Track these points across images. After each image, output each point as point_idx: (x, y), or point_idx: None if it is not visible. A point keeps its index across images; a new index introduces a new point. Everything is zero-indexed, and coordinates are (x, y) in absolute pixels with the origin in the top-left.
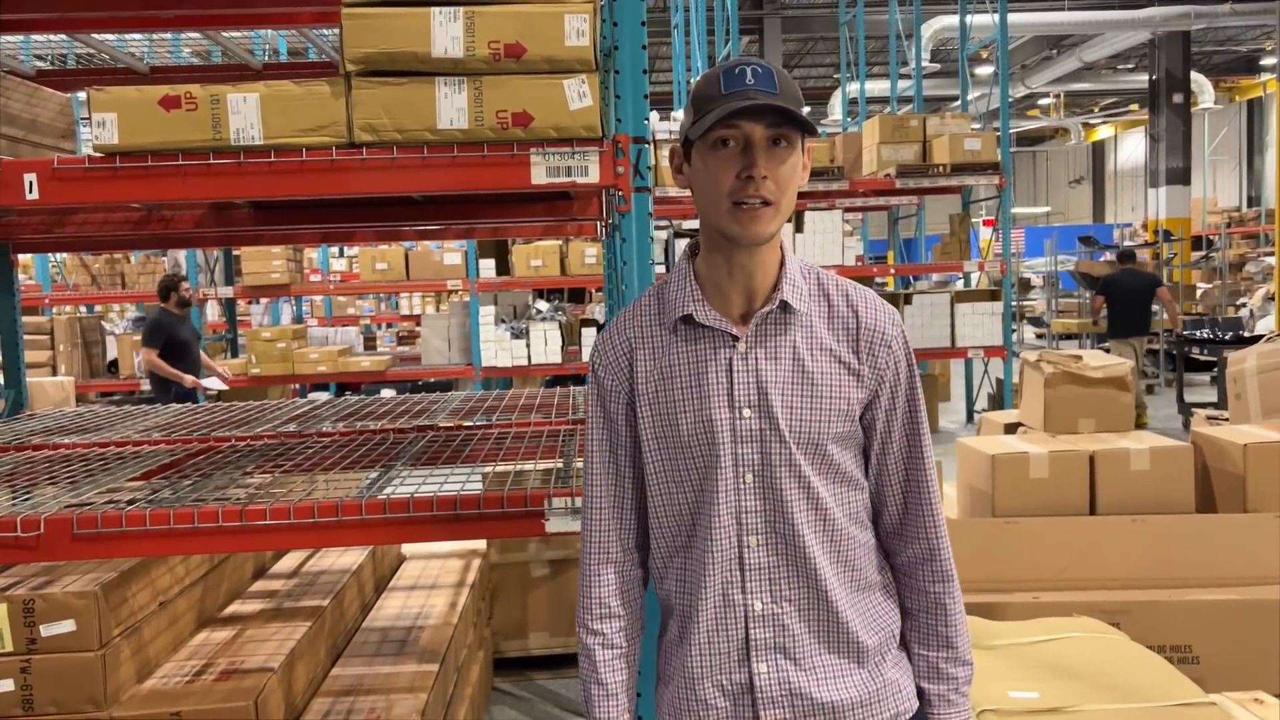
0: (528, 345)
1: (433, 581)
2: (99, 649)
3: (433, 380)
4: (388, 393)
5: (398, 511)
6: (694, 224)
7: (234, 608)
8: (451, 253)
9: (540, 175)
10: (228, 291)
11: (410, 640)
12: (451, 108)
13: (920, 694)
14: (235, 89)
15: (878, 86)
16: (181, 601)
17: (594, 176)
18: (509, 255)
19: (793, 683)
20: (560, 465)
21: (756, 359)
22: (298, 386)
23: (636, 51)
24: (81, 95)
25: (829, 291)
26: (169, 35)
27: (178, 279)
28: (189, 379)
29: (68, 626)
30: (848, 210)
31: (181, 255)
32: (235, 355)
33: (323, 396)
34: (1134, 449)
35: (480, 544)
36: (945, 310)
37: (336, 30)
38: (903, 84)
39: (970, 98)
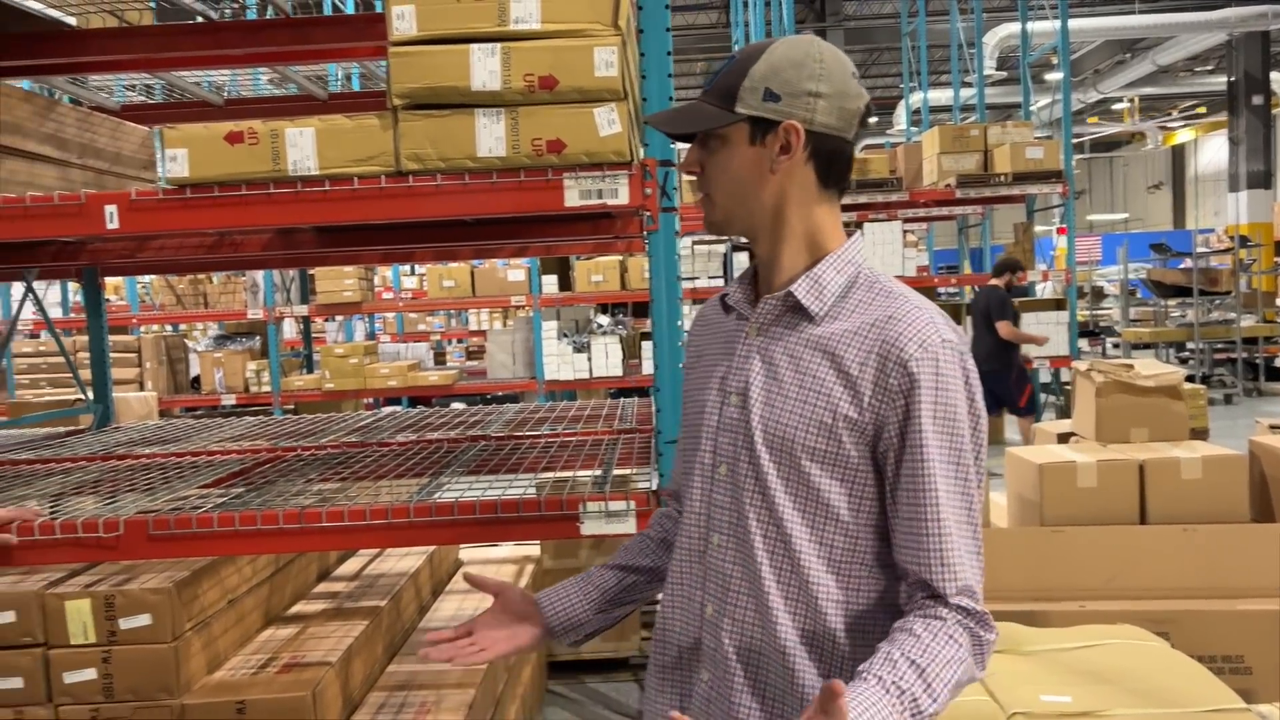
0: (589, 359)
1: None
2: (172, 641)
3: (500, 394)
4: (457, 405)
5: (444, 515)
6: None
7: (298, 607)
8: (515, 269)
9: (573, 198)
10: (303, 310)
11: None
12: (490, 137)
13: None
14: (293, 124)
15: (944, 95)
16: (249, 600)
17: (624, 198)
18: (570, 271)
19: (717, 715)
20: (599, 473)
21: (754, 347)
22: (371, 400)
23: (663, 79)
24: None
25: (870, 300)
26: (245, 71)
27: (1019, 263)
28: (1041, 336)
29: (145, 620)
30: (909, 221)
31: (259, 276)
32: (310, 371)
33: (393, 409)
34: (1185, 458)
35: (534, 549)
36: None
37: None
38: (966, 93)
39: (1039, 104)
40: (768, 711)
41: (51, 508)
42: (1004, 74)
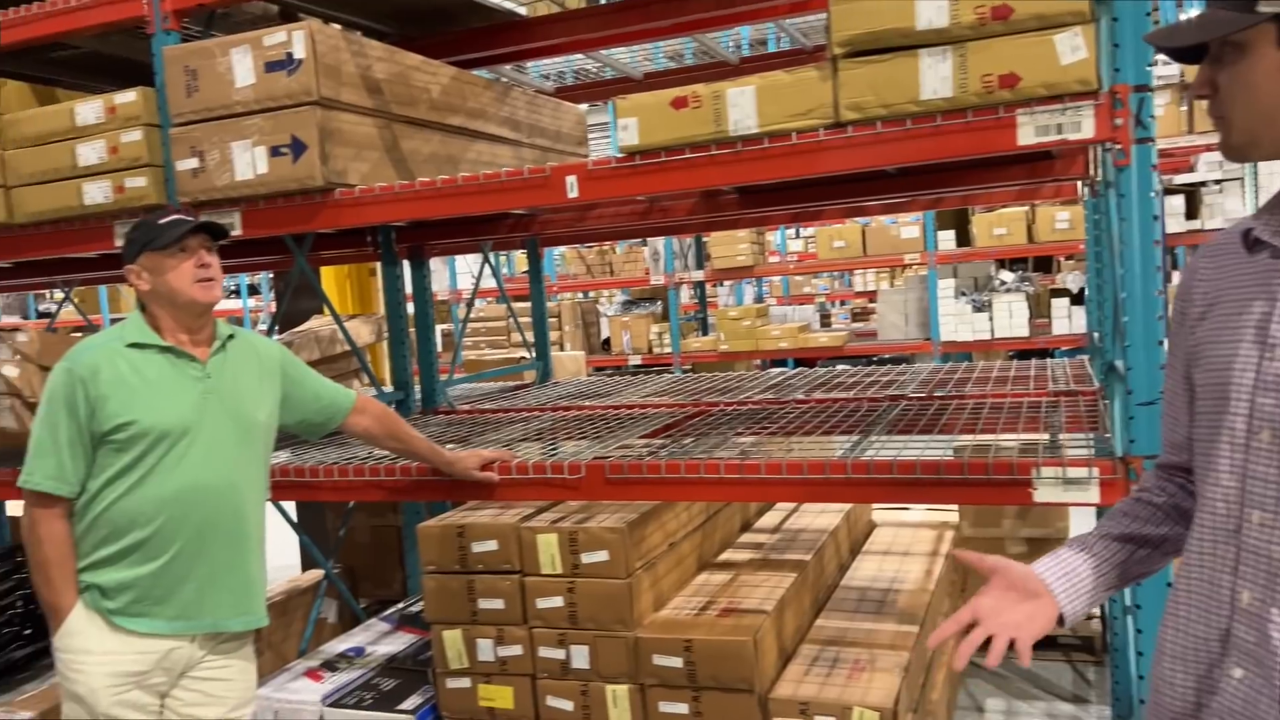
0: (990, 318)
1: (905, 549)
2: (626, 578)
3: (887, 356)
4: (843, 367)
5: (881, 473)
6: (1186, 179)
7: (726, 555)
8: (909, 226)
9: (1028, 135)
10: (699, 275)
11: (887, 601)
12: (935, 77)
13: None
14: (733, 84)
15: None
16: (685, 545)
17: (1087, 132)
18: (969, 225)
19: (1263, 718)
20: (1046, 437)
21: None
22: (759, 362)
23: None
24: (583, 107)
25: None
26: (648, 44)
27: None
28: None
29: (602, 556)
30: None
31: (660, 244)
32: (705, 333)
33: (780, 370)
34: None
35: (952, 516)
36: None
37: (803, 18)
38: None
39: None
40: None
41: (520, 451)
42: None
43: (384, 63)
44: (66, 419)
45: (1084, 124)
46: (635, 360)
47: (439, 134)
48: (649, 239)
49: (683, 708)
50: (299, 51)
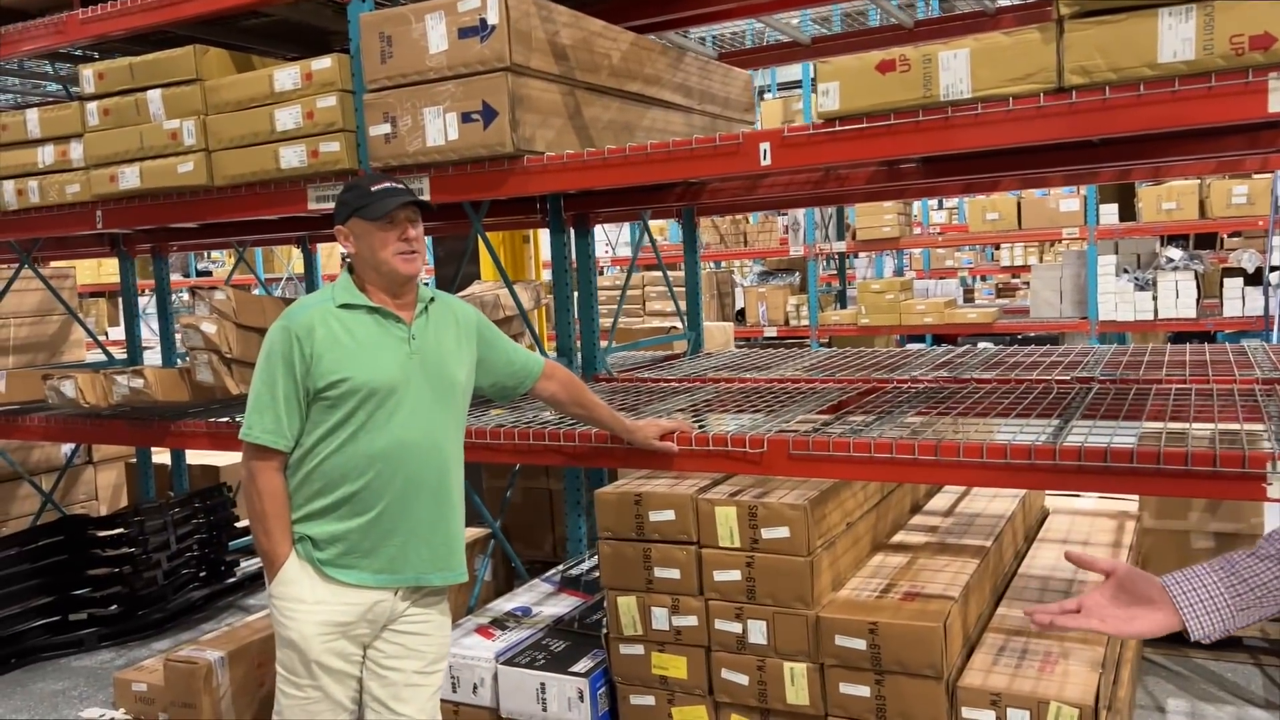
0: (1154, 298)
1: (1084, 538)
2: (806, 555)
3: (1033, 334)
4: (985, 345)
5: (1093, 460)
6: None
7: (899, 537)
8: (1068, 199)
9: (1278, 102)
10: (840, 246)
11: (1072, 592)
12: (1175, 39)
13: None
14: (946, 46)
15: None
16: (861, 525)
17: None
18: (1134, 199)
19: None
20: (1273, 428)
21: None
22: (898, 337)
23: None
24: (744, 72)
25: None
26: (796, 12)
27: None
28: None
29: (782, 533)
30: None
31: (801, 214)
32: (844, 306)
33: (919, 347)
34: None
35: (1132, 506)
36: None
37: None
38: None
39: None
40: None
41: (699, 422)
42: None
43: (570, 28)
44: (284, 375)
45: None
46: (770, 332)
47: (618, 101)
48: (790, 209)
49: (864, 690)
50: (492, 17)
